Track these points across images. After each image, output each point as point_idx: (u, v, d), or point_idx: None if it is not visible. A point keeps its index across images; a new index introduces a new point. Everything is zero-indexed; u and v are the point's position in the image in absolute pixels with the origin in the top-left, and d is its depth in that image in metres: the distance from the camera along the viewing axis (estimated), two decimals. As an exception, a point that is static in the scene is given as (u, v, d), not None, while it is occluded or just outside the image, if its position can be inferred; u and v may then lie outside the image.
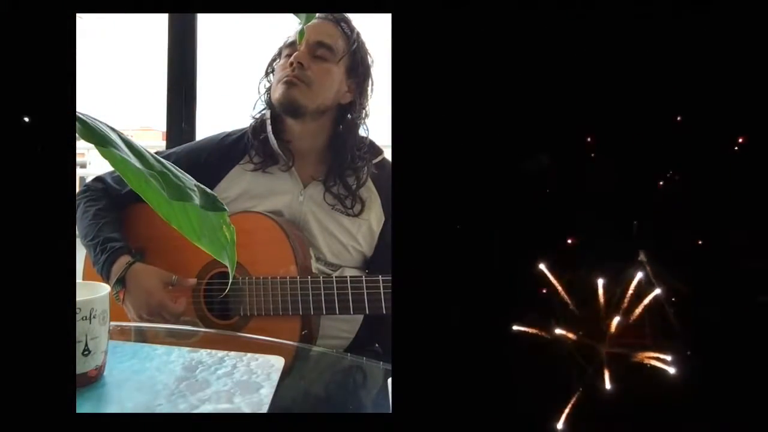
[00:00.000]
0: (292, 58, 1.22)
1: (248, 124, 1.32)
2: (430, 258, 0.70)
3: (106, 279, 1.18)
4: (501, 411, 0.69)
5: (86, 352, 0.72)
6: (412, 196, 0.71)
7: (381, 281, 1.05)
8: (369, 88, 1.29)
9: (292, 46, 1.26)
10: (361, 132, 1.30)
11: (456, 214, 0.72)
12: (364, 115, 1.29)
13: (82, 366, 0.72)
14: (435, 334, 0.70)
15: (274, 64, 1.31)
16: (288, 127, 1.27)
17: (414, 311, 0.70)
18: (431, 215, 0.71)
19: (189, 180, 0.49)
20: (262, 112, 1.31)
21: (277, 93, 1.24)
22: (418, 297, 0.70)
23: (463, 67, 0.72)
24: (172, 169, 0.48)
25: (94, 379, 0.75)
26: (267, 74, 1.32)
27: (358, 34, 1.28)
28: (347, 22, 1.27)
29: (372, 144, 1.32)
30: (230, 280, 0.58)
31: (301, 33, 0.71)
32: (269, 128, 1.27)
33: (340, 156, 1.26)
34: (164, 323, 1.16)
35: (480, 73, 0.72)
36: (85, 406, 0.69)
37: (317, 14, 1.26)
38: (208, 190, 0.49)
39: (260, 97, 1.32)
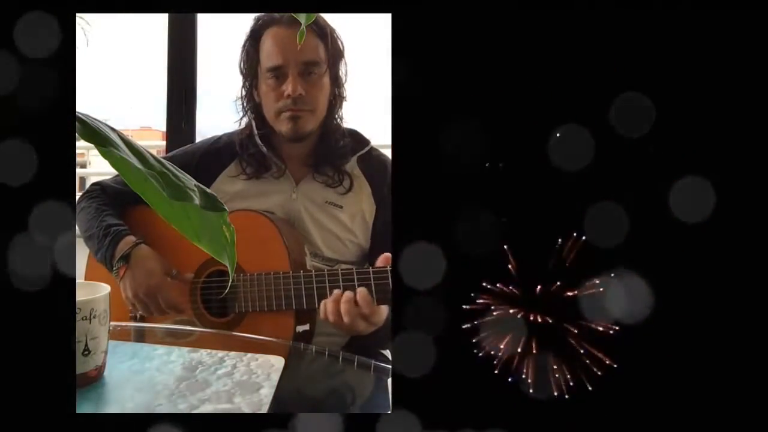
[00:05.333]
0: (289, 90, 1.21)
1: (234, 135, 1.33)
2: (430, 254, 0.70)
3: (109, 259, 1.18)
4: (502, 410, 0.69)
5: (86, 352, 0.73)
6: (412, 194, 0.71)
7: (372, 273, 1.06)
8: (344, 75, 1.30)
9: (276, 71, 1.23)
10: (338, 116, 1.31)
11: (455, 213, 0.72)
12: (342, 102, 1.31)
13: (82, 366, 0.72)
14: (435, 333, 0.70)
15: (252, 86, 1.29)
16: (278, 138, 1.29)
17: (414, 310, 0.70)
18: (431, 213, 0.72)
19: (189, 180, 0.49)
20: (245, 124, 1.32)
21: (283, 127, 1.25)
22: (419, 295, 0.70)
23: (464, 66, 0.72)
24: (172, 169, 0.48)
25: (94, 379, 0.75)
26: (246, 94, 1.31)
27: (331, 30, 1.27)
28: (318, 19, 1.25)
29: (358, 134, 1.34)
30: (230, 281, 0.58)
31: (301, 33, 0.71)
32: (258, 140, 1.28)
33: (326, 145, 1.28)
34: (157, 310, 1.17)
35: (480, 72, 0.72)
36: (85, 406, 0.69)
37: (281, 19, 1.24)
38: (208, 190, 0.49)
39: (246, 113, 1.31)
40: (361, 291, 1.03)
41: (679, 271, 0.69)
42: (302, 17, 0.69)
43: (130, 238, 1.19)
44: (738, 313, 0.68)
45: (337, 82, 1.29)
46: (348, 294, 1.03)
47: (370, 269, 1.06)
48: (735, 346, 0.68)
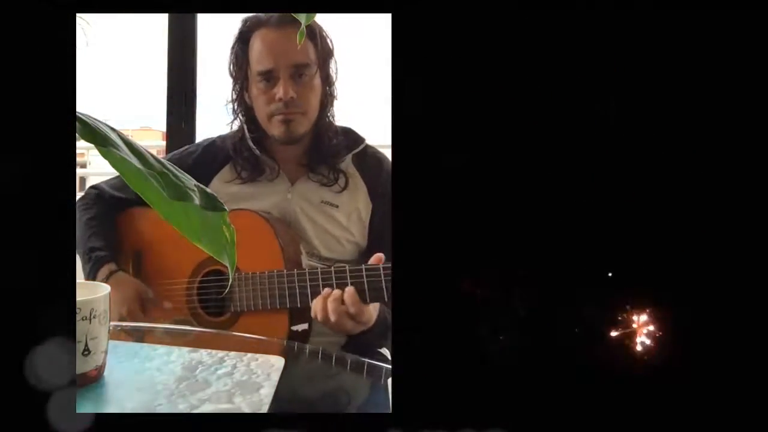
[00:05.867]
0: (280, 93, 1.20)
1: (228, 138, 1.32)
2: (430, 254, 0.70)
3: None
4: (502, 410, 0.69)
5: (86, 352, 0.73)
6: (412, 194, 0.71)
7: (364, 271, 1.05)
8: (335, 74, 1.29)
9: (266, 74, 1.22)
10: (330, 115, 1.31)
11: (455, 214, 0.72)
12: (332, 101, 1.30)
13: (82, 366, 0.72)
14: (436, 332, 0.70)
15: (242, 89, 1.28)
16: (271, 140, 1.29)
17: (414, 309, 0.70)
18: (431, 214, 0.72)
19: (189, 180, 0.49)
20: (237, 126, 1.31)
21: (275, 130, 1.24)
22: (419, 294, 0.70)
23: (463, 66, 0.72)
24: (172, 169, 0.48)
25: (94, 379, 0.75)
26: (237, 97, 1.30)
27: (320, 29, 1.26)
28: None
29: (353, 132, 1.33)
30: (230, 281, 0.58)
31: (301, 33, 0.71)
32: (251, 144, 1.27)
33: (319, 144, 1.28)
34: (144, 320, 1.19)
35: (480, 73, 0.72)
36: (85, 406, 0.69)
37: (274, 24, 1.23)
38: (208, 190, 0.49)
39: (237, 115, 1.31)
40: (349, 290, 1.03)
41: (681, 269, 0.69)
42: (302, 17, 0.69)
43: (107, 268, 1.21)
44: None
45: (327, 81, 1.28)
46: (336, 292, 1.04)
47: (363, 267, 1.06)
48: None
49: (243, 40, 1.26)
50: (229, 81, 1.31)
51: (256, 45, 1.24)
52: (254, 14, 1.25)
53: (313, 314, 1.07)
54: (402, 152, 0.72)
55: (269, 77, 1.22)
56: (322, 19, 1.28)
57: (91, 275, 1.21)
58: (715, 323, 0.68)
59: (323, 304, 1.04)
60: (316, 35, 1.24)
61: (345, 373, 0.97)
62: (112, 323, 0.78)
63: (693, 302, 0.69)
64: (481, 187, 0.72)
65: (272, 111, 1.23)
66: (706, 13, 0.69)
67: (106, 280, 1.19)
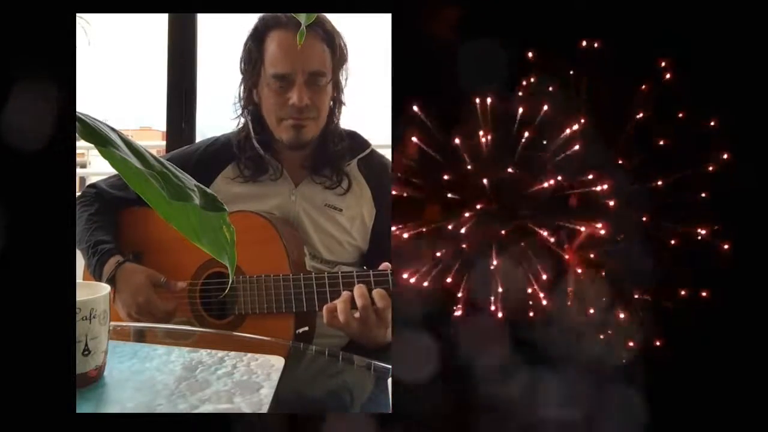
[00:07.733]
0: (294, 99, 1.19)
1: (232, 136, 1.31)
2: (433, 255, 0.70)
3: (98, 279, 1.19)
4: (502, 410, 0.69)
5: (86, 352, 0.73)
6: (411, 194, 0.72)
7: (372, 276, 1.05)
8: (345, 80, 1.29)
9: (281, 78, 1.21)
10: (336, 120, 1.30)
11: (454, 213, 0.72)
12: (341, 106, 1.29)
13: (82, 366, 0.72)
14: (435, 333, 0.70)
15: (252, 87, 1.27)
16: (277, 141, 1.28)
17: (414, 309, 0.70)
18: (430, 212, 0.72)
19: (189, 180, 0.49)
20: (242, 124, 1.30)
21: (284, 134, 1.23)
22: (419, 295, 0.70)
23: (464, 65, 0.72)
24: (172, 169, 0.48)
25: (94, 379, 0.75)
26: (245, 95, 1.29)
27: (339, 36, 1.25)
28: (326, 25, 1.23)
29: (359, 137, 1.33)
30: (230, 281, 0.58)
31: (301, 34, 0.71)
32: (256, 144, 1.26)
33: (324, 148, 1.27)
34: (153, 322, 1.17)
35: (480, 71, 0.72)
36: (85, 406, 0.69)
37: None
38: (208, 190, 0.49)
39: (243, 112, 1.29)
40: (377, 290, 1.01)
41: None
42: (302, 17, 0.69)
43: (114, 259, 1.19)
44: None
45: (337, 87, 1.27)
46: (362, 287, 1.02)
47: (371, 272, 1.05)
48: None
49: (257, 37, 1.24)
50: (238, 78, 1.29)
51: (272, 46, 1.22)
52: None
53: (326, 321, 1.04)
54: (401, 153, 0.72)
55: (283, 81, 1.21)
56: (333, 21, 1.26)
57: (97, 268, 1.19)
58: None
59: (345, 306, 1.02)
60: (335, 44, 1.23)
61: (345, 374, 0.97)
62: (112, 323, 0.78)
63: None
64: (483, 186, 0.73)
65: (283, 115, 1.22)
66: None
67: (114, 271, 1.17)
